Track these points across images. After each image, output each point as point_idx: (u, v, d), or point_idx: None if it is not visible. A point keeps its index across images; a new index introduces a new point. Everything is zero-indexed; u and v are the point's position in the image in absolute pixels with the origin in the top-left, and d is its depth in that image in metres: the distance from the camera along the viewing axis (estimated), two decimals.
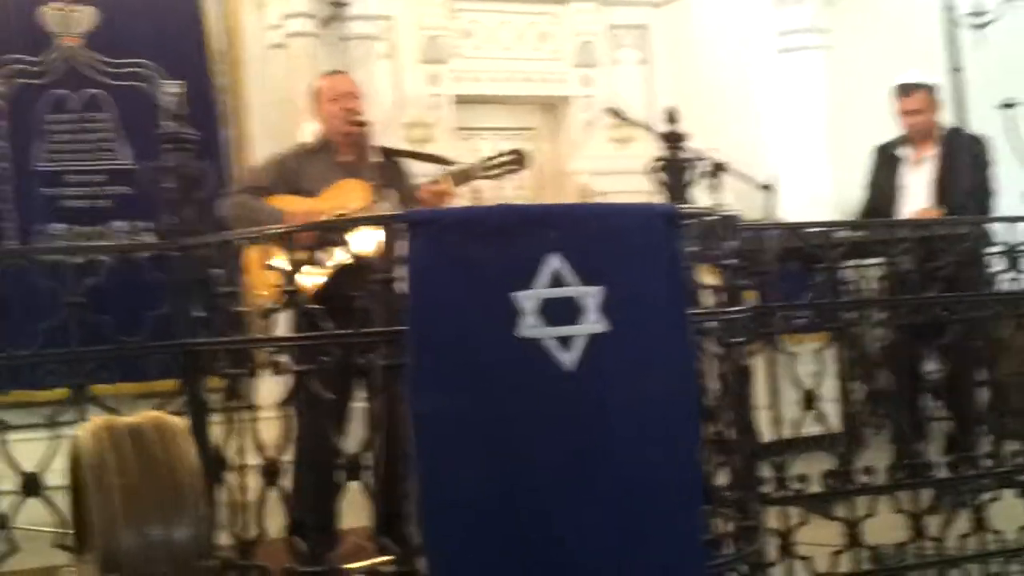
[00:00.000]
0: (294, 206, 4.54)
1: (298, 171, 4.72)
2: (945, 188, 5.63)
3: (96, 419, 2.92)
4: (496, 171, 4.76)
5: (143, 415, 2.94)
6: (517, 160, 4.74)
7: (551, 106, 8.48)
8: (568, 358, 2.96)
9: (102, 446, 2.75)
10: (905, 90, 5.79)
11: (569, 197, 8.04)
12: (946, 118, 5.60)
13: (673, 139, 4.23)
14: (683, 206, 3.46)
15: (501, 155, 4.79)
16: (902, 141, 5.88)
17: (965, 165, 5.10)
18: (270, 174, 4.75)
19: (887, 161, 5.91)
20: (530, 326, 2.93)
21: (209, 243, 3.63)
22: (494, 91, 8.13)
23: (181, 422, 2.96)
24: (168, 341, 3.72)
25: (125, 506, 2.66)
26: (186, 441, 2.87)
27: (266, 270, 3.47)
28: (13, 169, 6.29)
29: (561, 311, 2.96)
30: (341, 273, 3.99)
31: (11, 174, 6.29)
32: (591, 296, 2.99)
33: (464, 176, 4.71)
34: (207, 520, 2.81)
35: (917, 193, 5.77)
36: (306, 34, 6.92)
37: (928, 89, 5.76)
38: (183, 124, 3.83)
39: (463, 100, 7.99)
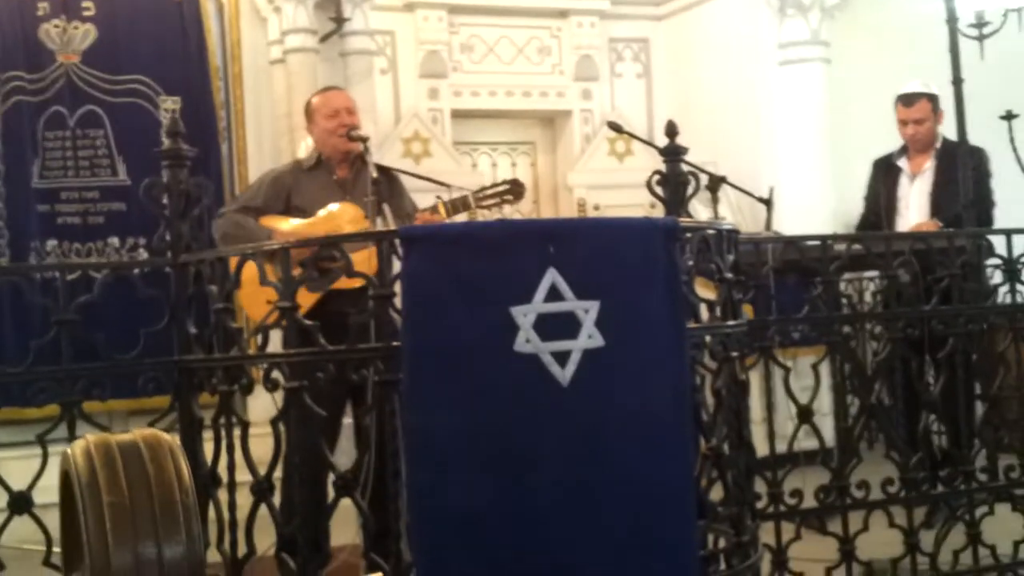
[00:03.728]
0: (286, 228, 4.53)
1: (293, 188, 4.70)
2: (942, 200, 5.61)
3: (88, 436, 2.89)
4: (492, 201, 4.74)
5: (135, 432, 2.92)
6: (513, 191, 4.72)
7: (550, 120, 8.49)
8: (564, 374, 2.94)
9: (93, 464, 2.72)
10: (907, 100, 5.79)
11: (568, 211, 8.04)
12: (947, 129, 5.59)
13: (672, 153, 4.21)
14: (682, 220, 3.44)
15: (497, 185, 4.77)
16: (901, 153, 5.88)
17: (964, 177, 5.08)
18: (264, 193, 4.73)
19: (886, 173, 5.91)
20: (526, 341, 2.92)
21: (205, 259, 3.61)
22: (493, 105, 8.14)
23: (174, 439, 2.94)
24: (161, 358, 3.70)
25: (116, 524, 2.63)
26: (179, 458, 2.84)
27: (261, 286, 3.45)
28: (7, 186, 6.29)
29: (557, 326, 2.94)
30: (333, 290, 3.98)
31: (5, 191, 6.28)
32: (587, 311, 2.97)
33: (459, 205, 4.69)
34: (199, 538, 2.78)
35: (916, 205, 5.77)
36: (306, 49, 6.90)
37: (930, 99, 5.76)
38: (181, 140, 3.81)
39: (462, 114, 8.01)
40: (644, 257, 3.11)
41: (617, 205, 7.68)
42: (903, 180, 5.85)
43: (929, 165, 5.77)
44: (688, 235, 3.32)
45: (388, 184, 4.73)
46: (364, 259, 3.29)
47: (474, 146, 8.28)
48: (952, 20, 5.09)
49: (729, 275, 3.48)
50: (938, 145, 5.79)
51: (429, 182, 4.95)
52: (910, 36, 7.33)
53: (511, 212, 6.61)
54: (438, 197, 4.73)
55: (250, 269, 3.37)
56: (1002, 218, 5.56)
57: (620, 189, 7.70)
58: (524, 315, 2.93)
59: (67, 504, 2.88)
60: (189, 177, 3.81)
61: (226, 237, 4.50)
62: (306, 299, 3.85)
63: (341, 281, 3.66)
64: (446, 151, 7.74)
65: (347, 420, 4.64)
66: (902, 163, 5.86)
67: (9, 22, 6.38)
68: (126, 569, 2.62)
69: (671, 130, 4.24)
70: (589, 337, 2.97)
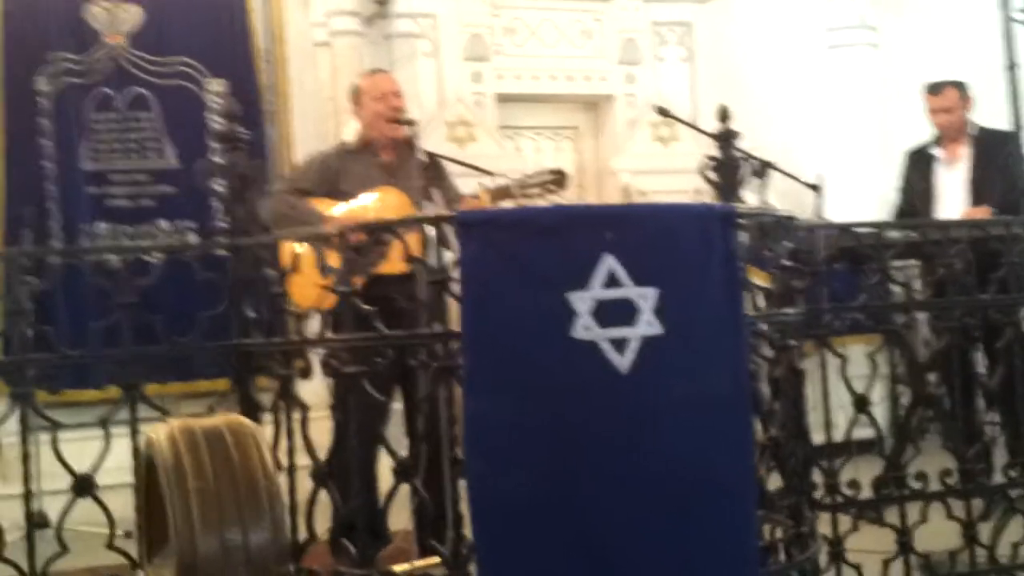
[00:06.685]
0: (336, 213, 4.52)
1: (340, 172, 4.66)
2: (982, 187, 5.56)
3: (171, 421, 2.88)
4: (535, 190, 4.71)
5: (218, 418, 2.92)
6: (557, 180, 4.69)
7: (594, 104, 8.43)
8: (623, 361, 2.93)
9: (178, 449, 2.72)
10: (935, 89, 5.75)
11: (612, 197, 8.00)
12: (1000, 116, 5.52)
13: (725, 138, 4.18)
14: (740, 206, 3.42)
15: (541, 173, 4.74)
16: (935, 142, 5.84)
17: (1009, 165, 5.02)
18: (313, 176, 4.69)
19: (920, 163, 5.86)
20: (584, 328, 2.90)
21: (263, 243, 3.61)
22: (537, 89, 8.08)
23: (256, 425, 2.93)
24: (219, 341, 3.71)
25: (203, 510, 2.63)
26: (261, 444, 2.83)
27: (316, 270, 3.45)
28: (58, 168, 6.32)
29: (615, 313, 2.93)
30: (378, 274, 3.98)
31: (55, 173, 6.32)
32: (645, 298, 2.96)
33: (503, 193, 4.66)
34: (284, 524, 2.78)
35: (953, 192, 5.72)
36: (350, 32, 6.92)
37: (958, 87, 5.71)
38: (236, 123, 3.80)
39: (506, 98, 7.96)
40: (702, 243, 3.09)
41: (662, 191, 7.60)
42: (939, 169, 5.80)
43: (965, 152, 5.73)
44: (745, 221, 3.29)
45: (433, 169, 4.71)
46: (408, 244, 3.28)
47: (517, 130, 8.24)
48: (1005, 4, 5.02)
49: (786, 262, 3.46)
50: (973, 132, 5.74)
51: (470, 168, 4.92)
52: (960, 20, 7.26)
53: (556, 196, 6.59)
54: (480, 184, 4.72)
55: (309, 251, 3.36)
56: None
57: (665, 174, 7.64)
58: (581, 301, 2.92)
59: (149, 490, 2.88)
60: (245, 160, 3.81)
61: (281, 218, 4.44)
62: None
63: (389, 265, 3.65)
64: (490, 136, 7.72)
65: (396, 405, 4.63)
66: (936, 152, 5.82)
67: (53, 3, 6.40)
68: (213, 555, 2.62)
69: (723, 115, 4.21)
70: (648, 324, 2.96)
